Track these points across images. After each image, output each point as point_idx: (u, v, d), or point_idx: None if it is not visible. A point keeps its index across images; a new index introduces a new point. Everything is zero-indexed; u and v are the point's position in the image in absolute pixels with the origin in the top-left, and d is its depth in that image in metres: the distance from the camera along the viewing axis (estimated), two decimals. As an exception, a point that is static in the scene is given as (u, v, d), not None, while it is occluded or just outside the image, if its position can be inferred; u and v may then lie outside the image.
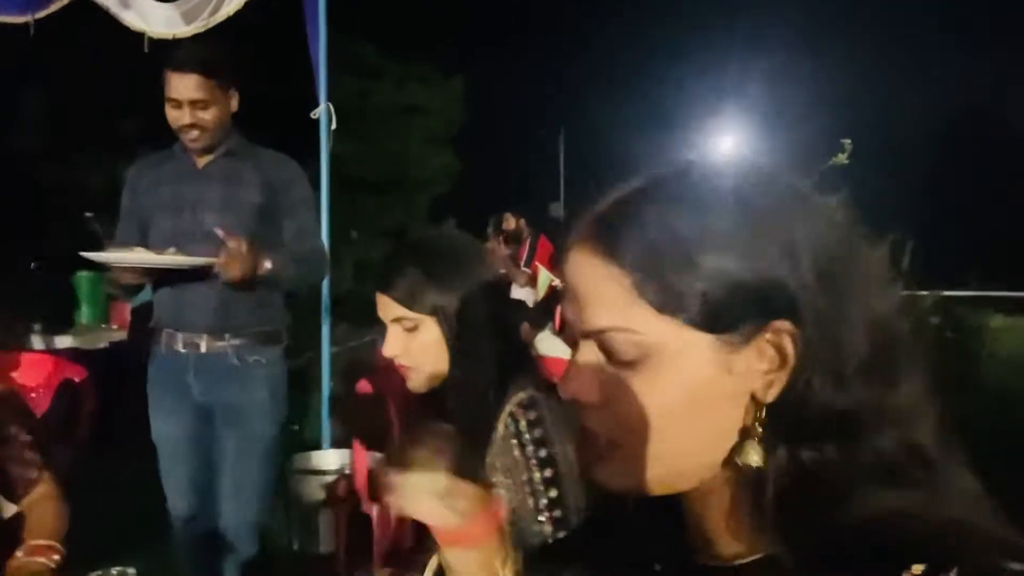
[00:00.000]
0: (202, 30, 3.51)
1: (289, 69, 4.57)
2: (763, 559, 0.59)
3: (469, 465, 1.28)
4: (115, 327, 5.80)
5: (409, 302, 1.31)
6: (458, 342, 1.31)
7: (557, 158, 24.68)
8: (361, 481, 2.84)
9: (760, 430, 0.58)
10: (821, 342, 0.56)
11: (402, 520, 2.21)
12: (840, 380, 0.56)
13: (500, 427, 1.25)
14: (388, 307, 1.34)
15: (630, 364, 0.58)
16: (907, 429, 0.57)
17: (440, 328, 1.31)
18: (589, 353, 0.61)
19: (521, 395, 1.26)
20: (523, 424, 1.23)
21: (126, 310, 5.88)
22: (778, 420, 0.58)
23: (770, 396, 0.58)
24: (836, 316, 0.56)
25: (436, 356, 1.32)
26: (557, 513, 1.19)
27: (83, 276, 6.15)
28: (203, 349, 2.39)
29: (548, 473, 1.21)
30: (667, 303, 0.56)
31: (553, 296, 7.34)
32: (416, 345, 1.32)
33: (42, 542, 1.49)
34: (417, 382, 1.35)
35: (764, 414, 0.58)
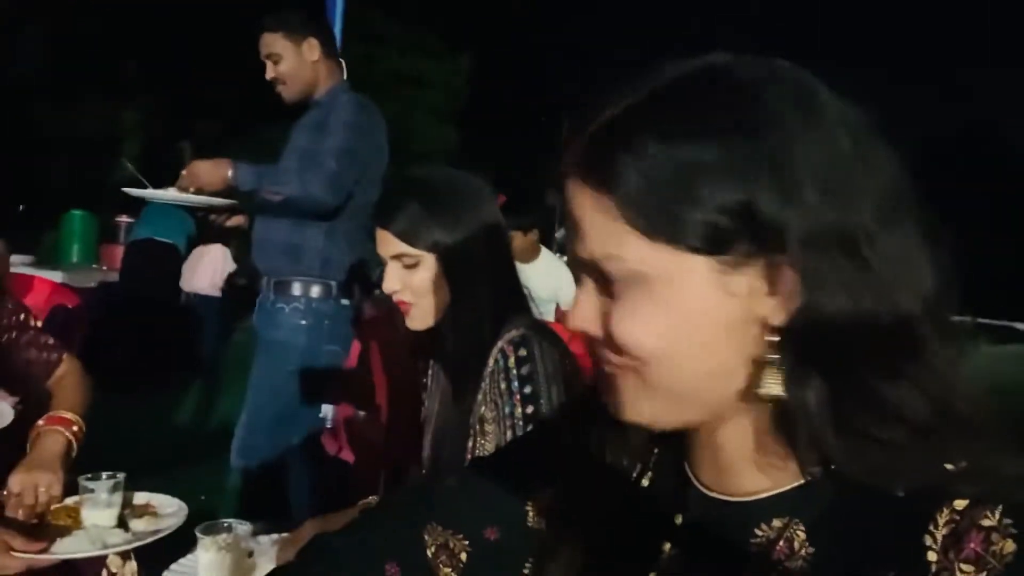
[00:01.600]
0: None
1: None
2: (790, 492, 0.58)
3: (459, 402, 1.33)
4: (105, 268, 5.81)
5: (409, 237, 1.30)
6: (456, 279, 1.30)
7: (559, 144, 24.49)
8: (343, 433, 2.90)
9: (776, 357, 0.55)
10: (833, 258, 0.53)
11: (378, 468, 2.28)
12: (859, 298, 0.53)
13: (491, 361, 1.28)
14: (388, 243, 1.33)
15: (625, 292, 0.56)
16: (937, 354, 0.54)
17: (439, 264, 1.31)
18: (587, 283, 0.59)
19: (513, 332, 1.27)
20: (512, 360, 1.25)
21: (118, 252, 5.89)
22: (798, 344, 0.54)
23: (779, 319, 0.54)
24: (843, 229, 0.53)
25: (436, 292, 1.32)
26: None
27: (75, 215, 6.15)
28: (261, 287, 2.50)
29: (529, 409, 1.23)
30: (657, 228, 0.54)
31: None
32: (416, 281, 1.32)
33: (62, 413, 1.54)
34: (416, 319, 1.35)
35: (779, 339, 0.55)
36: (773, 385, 0.55)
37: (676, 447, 0.67)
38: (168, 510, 1.45)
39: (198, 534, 1.16)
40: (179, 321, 5.47)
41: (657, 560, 0.66)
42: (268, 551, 1.30)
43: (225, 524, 1.19)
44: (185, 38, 14.35)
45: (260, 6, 2.61)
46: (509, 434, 1.25)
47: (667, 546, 0.66)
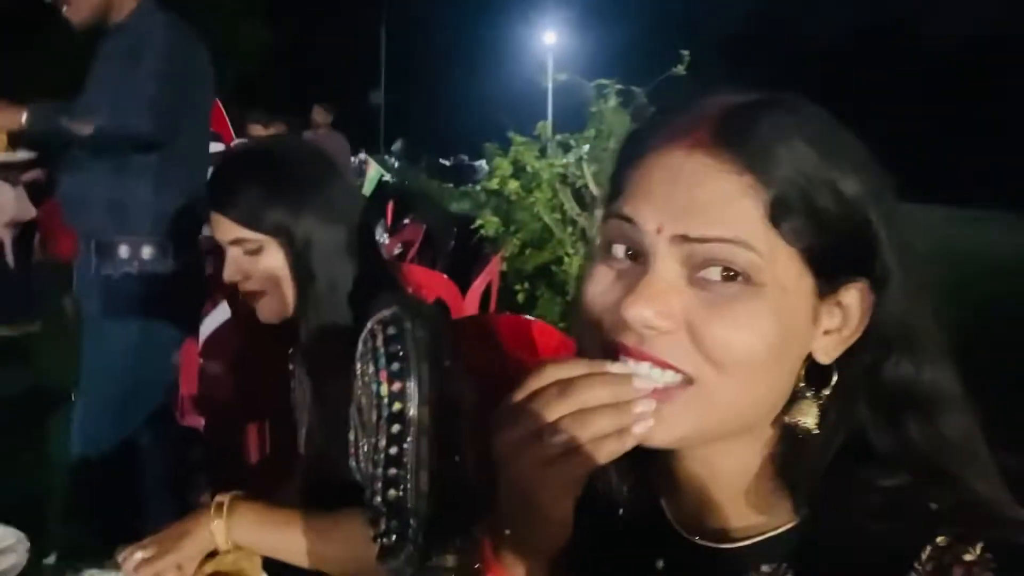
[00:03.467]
0: None
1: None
2: (779, 535, 0.57)
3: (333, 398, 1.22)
4: None
5: (248, 221, 1.16)
6: (306, 264, 1.17)
7: (378, 42, 23.51)
8: (190, 387, 2.63)
9: (811, 391, 0.55)
10: (893, 313, 0.54)
11: (236, 433, 2.10)
12: (911, 356, 0.54)
13: (360, 345, 1.16)
14: (224, 227, 1.18)
15: (738, 291, 0.51)
16: (954, 412, 0.56)
17: (284, 249, 1.17)
18: (672, 268, 0.52)
19: (384, 312, 1.16)
20: (380, 339, 1.14)
21: None
22: (840, 384, 0.55)
23: (826, 357, 0.55)
24: (908, 287, 0.54)
25: (284, 280, 1.18)
26: (395, 428, 1.12)
27: None
28: (79, 251, 2.10)
29: (396, 387, 1.13)
30: (797, 230, 0.51)
31: (382, 193, 7.15)
32: (260, 269, 1.18)
33: None
34: (267, 310, 1.21)
35: (828, 375, 0.55)
36: (807, 416, 0.55)
37: (651, 483, 0.63)
38: (4, 543, 1.22)
39: None
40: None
41: None
42: None
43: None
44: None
45: None
46: (373, 414, 1.14)
47: None
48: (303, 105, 6.97)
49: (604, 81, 3.55)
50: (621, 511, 0.65)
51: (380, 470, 1.10)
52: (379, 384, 1.13)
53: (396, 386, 1.12)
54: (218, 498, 1.14)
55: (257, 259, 1.17)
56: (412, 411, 1.12)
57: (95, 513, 2.09)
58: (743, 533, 0.58)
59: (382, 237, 4.77)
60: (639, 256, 0.54)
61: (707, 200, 0.52)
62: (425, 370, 1.14)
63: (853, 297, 0.54)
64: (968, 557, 0.50)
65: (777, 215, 0.51)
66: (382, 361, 1.14)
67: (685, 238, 0.52)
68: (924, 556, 0.51)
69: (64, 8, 2.04)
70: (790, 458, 0.56)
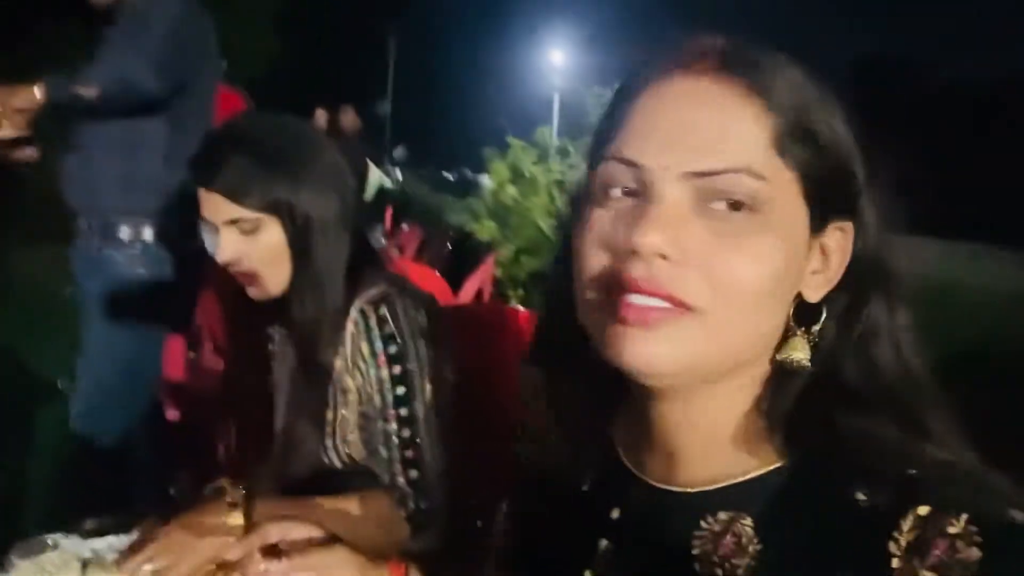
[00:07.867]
0: None
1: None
2: (741, 484, 0.56)
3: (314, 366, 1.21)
4: None
5: (241, 197, 1.11)
6: (304, 241, 1.15)
7: (386, 52, 23.61)
8: (175, 373, 2.60)
9: (802, 329, 0.56)
10: (870, 257, 0.56)
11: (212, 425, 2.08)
12: (886, 299, 0.56)
13: (350, 325, 1.17)
14: (217, 206, 1.12)
15: (743, 220, 0.52)
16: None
17: (283, 226, 1.14)
18: (681, 199, 0.52)
19: (372, 291, 1.17)
20: (373, 320, 1.16)
21: None
22: (828, 323, 0.56)
23: (815, 295, 0.56)
24: (882, 234, 0.56)
25: (282, 259, 1.15)
26: (403, 411, 1.15)
27: None
28: (80, 229, 2.09)
29: (396, 370, 1.15)
30: (800, 159, 0.52)
31: (382, 199, 7.14)
32: (258, 249, 1.14)
33: None
34: (262, 290, 1.18)
35: (812, 314, 0.56)
36: (798, 352, 0.55)
37: (611, 437, 0.65)
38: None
39: (15, 560, 0.96)
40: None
41: (592, 557, 0.63)
42: (109, 559, 1.11)
43: (49, 541, 0.99)
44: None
45: None
46: (377, 399, 1.16)
47: (603, 542, 0.63)
48: (308, 112, 6.98)
49: (602, 90, 3.57)
50: (590, 475, 0.66)
51: (397, 452, 1.14)
52: (378, 368, 1.15)
53: (396, 369, 1.15)
54: (229, 496, 1.03)
55: (254, 238, 1.14)
56: (417, 393, 1.15)
57: (80, 497, 2.07)
58: (709, 481, 0.57)
59: (379, 242, 4.77)
60: (642, 192, 0.54)
61: (715, 128, 0.52)
62: (423, 349, 1.16)
63: (837, 238, 0.56)
64: (952, 529, 0.48)
65: (782, 143, 0.52)
66: (378, 344, 1.16)
67: (695, 174, 0.52)
68: (905, 525, 0.49)
69: None
70: (776, 398, 0.56)
